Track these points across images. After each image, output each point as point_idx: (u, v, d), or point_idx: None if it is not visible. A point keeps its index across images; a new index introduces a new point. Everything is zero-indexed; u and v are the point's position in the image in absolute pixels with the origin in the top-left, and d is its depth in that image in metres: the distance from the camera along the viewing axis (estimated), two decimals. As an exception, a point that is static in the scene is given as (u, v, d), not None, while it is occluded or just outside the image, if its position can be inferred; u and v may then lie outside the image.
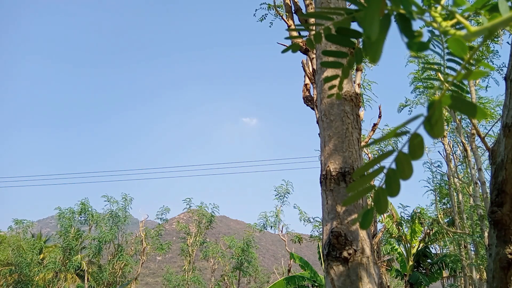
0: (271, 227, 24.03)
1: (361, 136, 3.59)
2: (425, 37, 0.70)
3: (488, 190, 10.80)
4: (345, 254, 1.91)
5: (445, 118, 15.17)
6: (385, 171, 0.72)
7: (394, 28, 0.68)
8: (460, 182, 16.86)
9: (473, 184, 12.88)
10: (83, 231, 29.26)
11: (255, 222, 25.49)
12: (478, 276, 15.02)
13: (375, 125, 6.90)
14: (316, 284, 14.87)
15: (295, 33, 3.35)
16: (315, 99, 4.68)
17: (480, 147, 13.64)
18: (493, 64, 11.08)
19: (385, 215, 16.52)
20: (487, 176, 12.37)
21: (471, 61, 0.81)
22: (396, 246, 17.17)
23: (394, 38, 0.96)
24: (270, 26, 10.39)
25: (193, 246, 31.24)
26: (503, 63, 11.06)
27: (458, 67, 0.98)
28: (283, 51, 1.11)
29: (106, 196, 29.07)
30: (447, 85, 0.81)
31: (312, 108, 4.82)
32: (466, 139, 13.22)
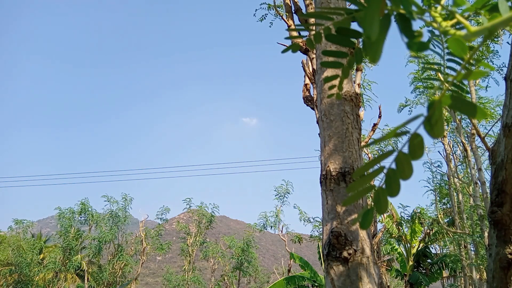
0: (271, 227, 24.04)
1: (361, 136, 3.59)
2: (425, 37, 0.70)
3: (488, 190, 10.80)
4: (345, 254, 1.91)
5: (445, 118, 15.17)
6: (385, 171, 0.72)
7: (394, 28, 0.68)
8: (460, 182, 16.86)
9: (473, 184, 12.88)
10: (83, 231, 29.27)
11: (255, 222, 25.52)
12: (478, 276, 15.02)
13: (375, 125, 6.90)
14: (316, 284, 14.87)
15: (295, 33, 3.35)
16: (315, 99, 4.68)
17: (480, 147, 13.65)
18: (493, 64, 11.08)
19: (385, 215, 16.52)
20: (487, 176, 12.38)
21: (471, 61, 0.81)
22: (396, 246, 17.17)
23: (394, 38, 0.96)
24: (270, 26, 10.39)
25: (193, 246, 31.25)
26: (503, 63, 11.07)
27: (458, 67, 0.98)
28: (283, 51, 1.11)
29: (106, 196, 29.10)
30: (447, 85, 0.81)
31: (312, 108, 4.82)
32: (466, 139, 13.22)
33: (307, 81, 5.06)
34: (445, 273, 18.25)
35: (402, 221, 16.58)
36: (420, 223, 16.23)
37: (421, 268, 16.94)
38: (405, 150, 0.69)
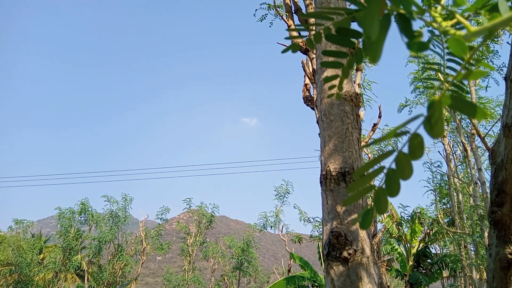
0: (271, 227, 24.04)
1: (361, 136, 3.59)
2: (425, 37, 0.70)
3: (488, 190, 10.80)
4: (345, 254, 1.91)
5: (445, 118, 15.17)
6: (385, 171, 0.72)
7: (394, 28, 0.68)
8: (460, 182, 16.86)
9: (473, 184, 12.88)
10: (83, 231, 29.28)
11: (255, 222, 25.53)
12: (478, 276, 15.02)
13: (375, 125, 6.90)
14: (316, 284, 14.87)
15: (295, 33, 3.35)
16: (315, 99, 4.68)
17: (480, 147, 13.65)
18: (493, 64, 11.08)
19: (385, 215, 16.52)
20: (487, 176, 12.38)
21: (471, 61, 0.81)
22: (396, 246, 17.17)
23: (394, 38, 0.96)
24: (270, 26, 10.39)
25: (193, 246, 31.25)
26: (503, 63, 11.07)
27: (458, 67, 0.98)
28: (283, 51, 1.11)
29: (106, 196, 29.10)
30: (447, 85, 0.81)
31: (312, 108, 4.82)
32: (466, 139, 13.22)
33: (307, 81, 5.06)
34: (445, 273, 18.25)
35: (402, 221, 16.58)
36: (420, 223, 16.23)
37: (421, 268, 16.94)
38: (405, 150, 0.69)
